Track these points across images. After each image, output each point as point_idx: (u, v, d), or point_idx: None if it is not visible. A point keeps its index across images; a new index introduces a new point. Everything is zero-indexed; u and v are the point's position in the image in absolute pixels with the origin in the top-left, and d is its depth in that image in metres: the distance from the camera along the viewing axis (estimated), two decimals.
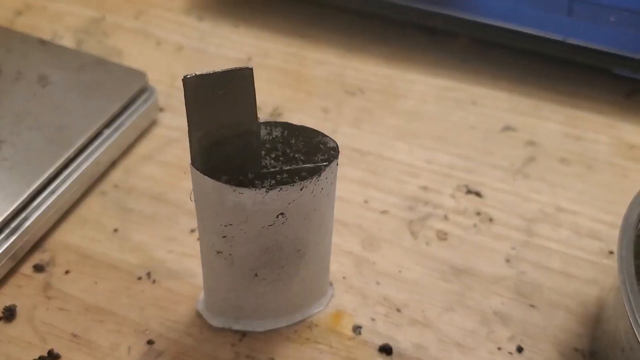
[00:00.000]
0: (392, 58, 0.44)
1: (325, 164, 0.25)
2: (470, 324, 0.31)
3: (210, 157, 0.24)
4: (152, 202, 0.35)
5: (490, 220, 0.35)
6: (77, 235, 0.33)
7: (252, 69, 0.23)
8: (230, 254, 0.26)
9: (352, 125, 0.40)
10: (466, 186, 0.36)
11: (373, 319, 0.31)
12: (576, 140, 0.39)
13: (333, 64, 0.44)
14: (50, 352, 0.29)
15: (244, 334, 0.30)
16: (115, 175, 0.36)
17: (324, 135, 0.26)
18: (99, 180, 0.36)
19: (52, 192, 0.33)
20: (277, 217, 0.25)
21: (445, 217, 0.35)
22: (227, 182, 0.25)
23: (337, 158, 0.25)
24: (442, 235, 0.34)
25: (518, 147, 0.39)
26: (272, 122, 0.26)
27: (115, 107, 0.36)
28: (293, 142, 0.26)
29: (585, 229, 0.35)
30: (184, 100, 0.23)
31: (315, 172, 0.25)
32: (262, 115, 0.40)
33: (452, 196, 0.36)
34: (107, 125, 0.36)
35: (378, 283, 0.32)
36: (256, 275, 0.27)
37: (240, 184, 0.25)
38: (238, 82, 0.23)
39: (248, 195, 0.24)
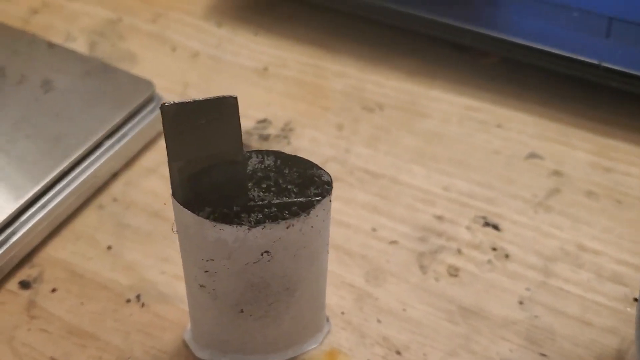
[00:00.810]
0: (416, 73, 0.42)
1: (317, 198, 0.24)
2: None
3: (192, 188, 0.23)
4: (150, 219, 0.33)
5: (506, 256, 0.33)
6: (68, 250, 0.32)
7: (236, 97, 0.21)
8: (213, 289, 0.25)
9: (367, 144, 0.38)
10: (484, 218, 0.34)
11: None
12: (606, 172, 0.36)
13: (352, 77, 0.42)
14: None
15: None
16: (115, 187, 0.35)
17: (318, 168, 0.24)
18: (97, 192, 0.34)
19: (45, 204, 0.31)
20: (262, 254, 0.23)
21: (459, 251, 0.33)
22: (211, 214, 0.23)
23: (330, 194, 0.24)
24: (453, 271, 0.32)
25: (542, 176, 0.36)
26: (264, 150, 0.24)
27: (118, 117, 0.34)
28: (286, 172, 0.24)
29: (608, 272, 0.32)
30: (163, 129, 0.21)
31: (307, 207, 0.23)
32: (273, 130, 0.38)
33: (468, 228, 0.34)
34: (109, 135, 0.34)
35: (379, 321, 0.30)
36: (242, 311, 0.25)
37: (225, 217, 0.23)
38: (221, 111, 0.21)
39: (229, 232, 0.22)
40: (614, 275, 0.32)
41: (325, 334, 0.29)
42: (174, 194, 0.23)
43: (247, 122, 0.39)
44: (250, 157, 0.24)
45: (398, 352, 0.29)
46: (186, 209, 0.22)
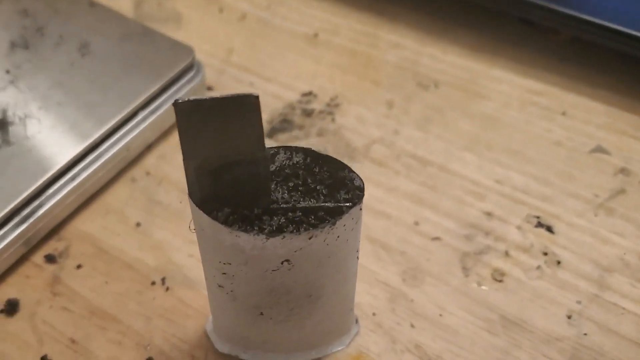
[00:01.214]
0: (477, 48, 0.39)
1: (347, 204, 0.21)
2: None
3: (210, 187, 0.21)
4: (182, 196, 0.32)
5: (558, 263, 0.30)
6: (97, 225, 0.31)
7: (257, 96, 0.19)
8: (231, 290, 0.23)
9: (418, 126, 0.35)
10: (537, 218, 0.31)
11: None
12: None
13: (408, 48, 0.39)
14: (43, 358, 0.27)
15: None
16: (149, 160, 0.33)
17: (350, 170, 0.22)
18: (130, 165, 0.33)
19: (75, 176, 0.30)
20: (282, 263, 0.21)
21: (506, 254, 0.30)
22: (229, 215, 0.21)
23: (361, 201, 0.21)
24: (498, 276, 0.30)
25: (607, 174, 0.33)
26: (292, 147, 0.22)
27: (155, 86, 0.33)
28: (317, 170, 0.22)
29: None
30: (177, 127, 0.19)
31: (335, 213, 0.21)
32: (317, 105, 0.36)
33: (519, 228, 0.31)
34: (145, 105, 0.33)
35: (412, 326, 0.28)
36: (261, 314, 0.24)
37: (245, 219, 0.21)
38: (241, 110, 0.19)
39: (246, 239, 0.20)
40: None
41: (352, 336, 0.28)
42: (190, 194, 0.21)
43: (291, 94, 0.37)
44: (277, 154, 0.22)
45: None
46: (201, 211, 0.20)
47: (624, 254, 0.30)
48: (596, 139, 0.34)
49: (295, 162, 0.22)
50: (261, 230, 0.21)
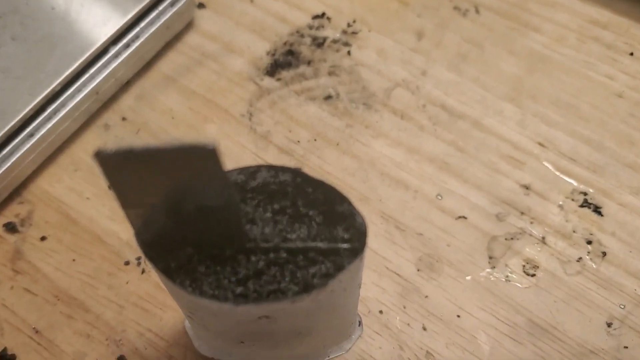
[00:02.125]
0: None
1: (346, 246, 0.17)
2: None
3: (165, 227, 0.16)
4: None
5: (603, 255, 0.25)
6: (63, 185, 0.27)
7: (214, 148, 0.13)
8: (204, 325, 0.19)
9: (450, 65, 0.29)
10: (584, 195, 0.26)
11: None
12: None
13: None
14: (3, 352, 0.24)
15: None
16: (125, 102, 0.28)
17: (350, 204, 0.17)
18: (103, 108, 0.28)
19: (39, 127, 0.26)
20: (260, 318, 0.17)
21: (543, 241, 0.25)
22: (192, 257, 0.17)
23: (363, 250, 0.17)
24: (531, 269, 0.25)
25: None
26: (278, 166, 0.17)
27: (131, 12, 0.27)
28: (310, 191, 0.17)
29: None
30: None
31: (330, 255, 0.16)
32: (331, 32, 0.30)
33: (561, 207, 0.26)
34: (119, 38, 0.27)
35: (424, 328, 0.24)
36: (242, 342, 0.20)
37: (214, 260, 0.17)
38: (194, 161, 0.14)
39: (210, 304, 0.16)
40: None
41: (354, 341, 0.24)
42: (136, 235, 0.16)
43: (299, 16, 0.31)
44: (257, 172, 0.17)
45: None
46: (153, 264, 0.16)
47: None
48: None
49: (281, 180, 0.17)
50: (233, 284, 0.16)
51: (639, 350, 0.24)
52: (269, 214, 0.17)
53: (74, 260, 0.25)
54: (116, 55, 0.27)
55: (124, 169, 0.14)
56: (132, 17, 0.27)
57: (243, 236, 0.17)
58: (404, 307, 0.24)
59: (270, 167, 0.17)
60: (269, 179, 0.17)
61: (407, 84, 0.29)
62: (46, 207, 0.26)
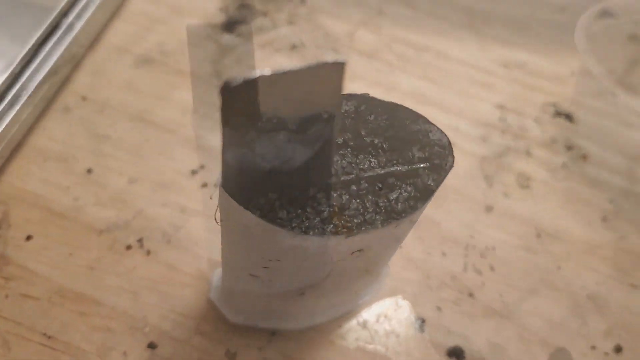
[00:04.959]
0: None
1: (423, 165, 0.16)
2: (558, 313, 0.24)
3: (252, 173, 0.15)
4: (134, 125, 0.25)
5: (584, 157, 0.27)
6: (35, 178, 0.24)
7: (344, 62, 0.13)
8: (270, 280, 0.18)
9: (404, 1, 0.29)
10: (553, 105, 0.28)
11: (439, 308, 0.24)
12: None
13: None
14: None
15: (272, 333, 0.23)
16: (81, 80, 0.26)
17: (427, 121, 0.17)
18: (60, 90, 0.25)
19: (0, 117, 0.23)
20: (352, 254, 0.16)
21: (528, 153, 0.27)
22: (276, 201, 0.16)
23: (451, 162, 0.16)
24: (524, 181, 0.26)
25: (619, 41, 0.29)
26: (344, 94, 0.17)
27: None
28: (371, 118, 0.17)
29: None
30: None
31: (411, 176, 0.16)
32: None
33: (537, 120, 0.27)
34: (68, 10, 0.25)
35: (444, 254, 0.24)
36: (302, 294, 0.19)
37: (292, 202, 0.16)
38: (317, 81, 0.13)
39: (313, 241, 0.15)
40: None
41: (382, 282, 0.24)
42: (223, 183, 0.15)
43: None
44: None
45: (471, 295, 0.24)
46: (247, 211, 0.15)
47: None
48: None
49: (345, 109, 0.17)
50: (319, 223, 0.15)
51: (635, 238, 0.25)
52: (342, 149, 0.17)
53: (70, 254, 0.23)
54: (69, 29, 0.24)
55: (243, 100, 0.13)
56: None
57: (330, 171, 0.16)
58: (421, 238, 0.25)
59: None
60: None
61: (366, 24, 0.29)
62: (22, 204, 0.24)
